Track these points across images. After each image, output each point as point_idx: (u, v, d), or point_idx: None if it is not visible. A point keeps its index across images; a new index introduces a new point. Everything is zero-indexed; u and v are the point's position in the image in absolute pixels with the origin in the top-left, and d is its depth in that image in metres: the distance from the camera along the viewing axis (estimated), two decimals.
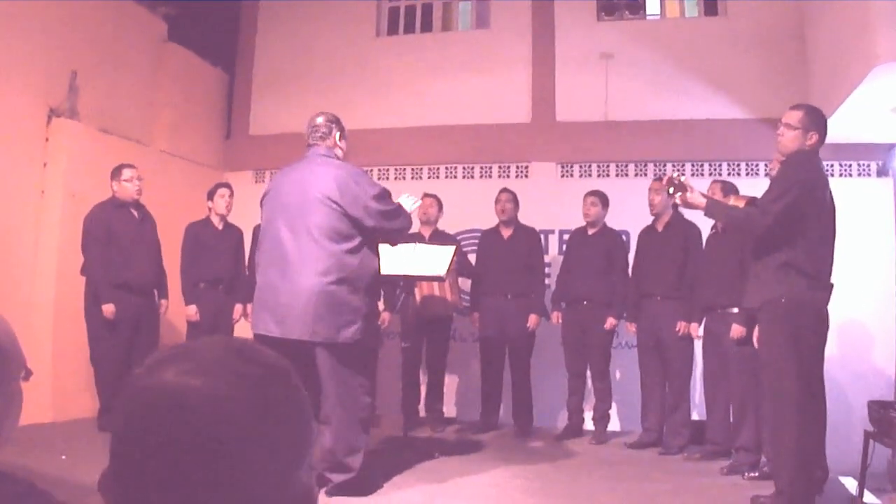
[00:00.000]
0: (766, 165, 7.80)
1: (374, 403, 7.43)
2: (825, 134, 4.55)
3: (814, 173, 4.44)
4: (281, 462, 0.93)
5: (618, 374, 7.73)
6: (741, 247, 5.46)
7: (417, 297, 6.96)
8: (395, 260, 5.87)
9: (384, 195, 4.74)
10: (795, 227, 4.34)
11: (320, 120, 4.90)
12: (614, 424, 7.35)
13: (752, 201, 4.71)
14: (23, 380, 1.52)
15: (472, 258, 7.74)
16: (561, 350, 7.20)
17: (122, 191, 6.60)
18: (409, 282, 6.48)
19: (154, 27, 8.66)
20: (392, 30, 9.67)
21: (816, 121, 4.52)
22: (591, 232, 7.21)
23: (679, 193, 4.56)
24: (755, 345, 5.00)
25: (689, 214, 6.56)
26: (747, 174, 8.07)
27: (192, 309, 6.98)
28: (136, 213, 6.69)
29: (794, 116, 4.52)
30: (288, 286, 4.50)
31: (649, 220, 6.88)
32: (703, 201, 4.58)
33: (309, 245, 4.51)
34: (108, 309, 6.32)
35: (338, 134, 4.90)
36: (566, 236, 7.75)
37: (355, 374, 4.58)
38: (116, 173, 6.62)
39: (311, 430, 0.99)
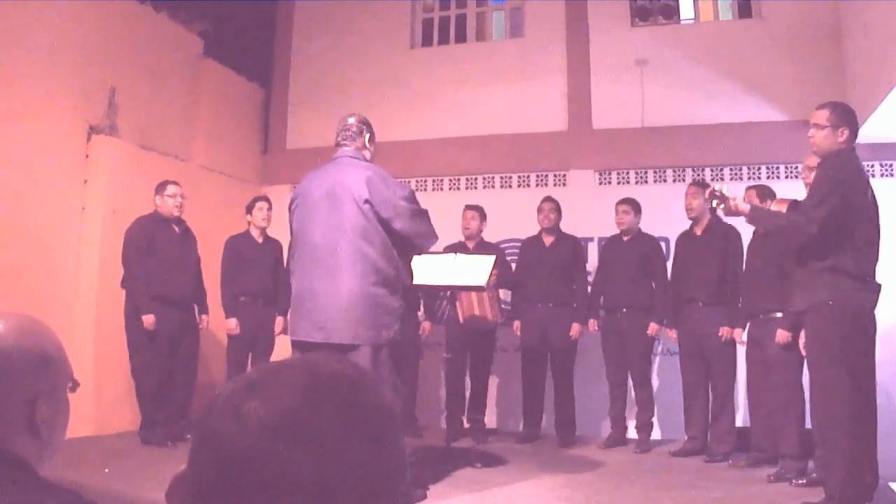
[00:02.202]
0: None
1: (415, 414, 7.47)
2: (856, 128, 4.50)
3: (853, 173, 4.37)
4: None
5: (658, 382, 7.64)
6: (784, 250, 5.38)
7: (458, 309, 6.93)
8: (436, 270, 5.83)
9: (413, 196, 4.72)
10: (840, 229, 4.27)
11: (352, 120, 4.86)
12: (656, 433, 7.25)
13: (793, 204, 4.63)
14: (70, 391, 1.52)
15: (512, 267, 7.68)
16: (602, 359, 7.14)
17: (165, 206, 6.65)
18: (451, 292, 6.45)
19: (190, 44, 8.74)
20: (426, 41, 9.70)
21: (844, 116, 4.47)
22: (625, 239, 7.17)
23: (722, 205, 4.52)
24: (801, 350, 4.92)
25: (728, 218, 6.50)
26: (786, 177, 7.94)
27: (233, 322, 7.00)
28: (177, 229, 6.74)
29: (822, 115, 4.47)
30: (328, 290, 4.45)
31: (688, 225, 6.81)
32: (746, 209, 4.53)
33: (346, 248, 4.48)
34: (149, 320, 6.35)
35: (367, 136, 4.85)
36: (602, 244, 7.69)
37: (390, 375, 4.54)
38: (161, 188, 6.69)
39: (405, 476, 0.89)
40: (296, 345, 4.60)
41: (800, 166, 7.73)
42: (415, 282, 5.13)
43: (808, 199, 4.41)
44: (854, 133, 4.47)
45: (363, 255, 4.48)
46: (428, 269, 5.79)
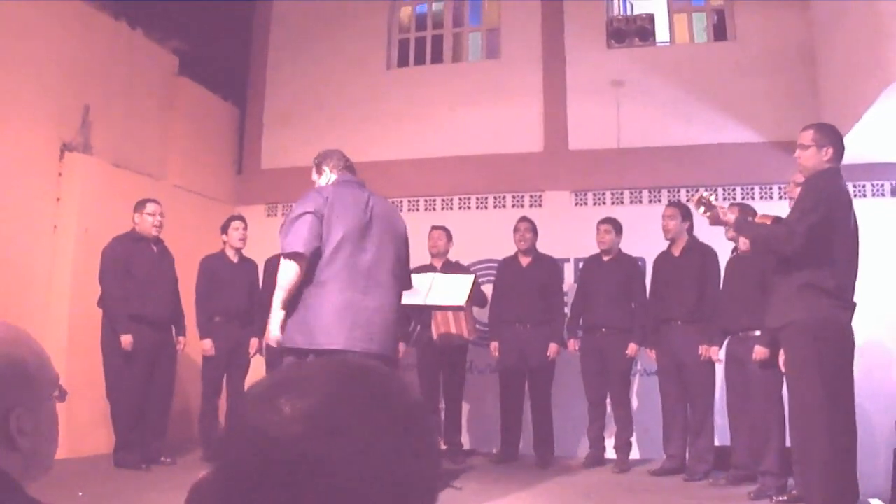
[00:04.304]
0: (780, 188, 7.80)
1: None
2: (841, 147, 4.61)
3: (836, 191, 4.46)
4: None
5: (636, 402, 7.63)
6: (762, 269, 5.41)
7: (433, 329, 6.90)
8: (415, 291, 5.81)
9: None
10: (819, 246, 4.32)
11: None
12: (634, 453, 7.25)
13: (776, 220, 4.68)
14: (58, 400, 1.47)
15: (485, 288, 7.66)
16: (580, 379, 7.14)
17: (144, 224, 6.59)
18: (426, 313, 6.43)
19: (165, 62, 8.71)
20: (402, 62, 9.73)
21: (829, 135, 4.58)
22: (605, 259, 7.19)
23: (709, 212, 4.58)
24: (780, 367, 4.93)
25: (704, 238, 6.54)
26: (761, 198, 8.03)
27: (208, 343, 6.93)
28: (154, 248, 6.68)
29: (807, 136, 4.58)
30: (373, 306, 4.65)
31: (665, 246, 6.85)
32: (732, 219, 4.60)
33: (388, 266, 4.78)
34: (126, 340, 6.28)
35: None
36: (581, 264, 7.70)
37: None
38: (140, 206, 6.63)
39: (439, 476, 0.89)
40: (318, 353, 4.53)
41: (774, 187, 7.91)
42: None
43: (791, 213, 4.49)
44: (839, 152, 4.57)
45: (398, 279, 4.89)
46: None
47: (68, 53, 7.27)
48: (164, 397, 6.69)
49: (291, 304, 4.55)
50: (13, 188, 6.68)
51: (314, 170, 5.04)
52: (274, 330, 4.49)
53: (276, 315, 4.50)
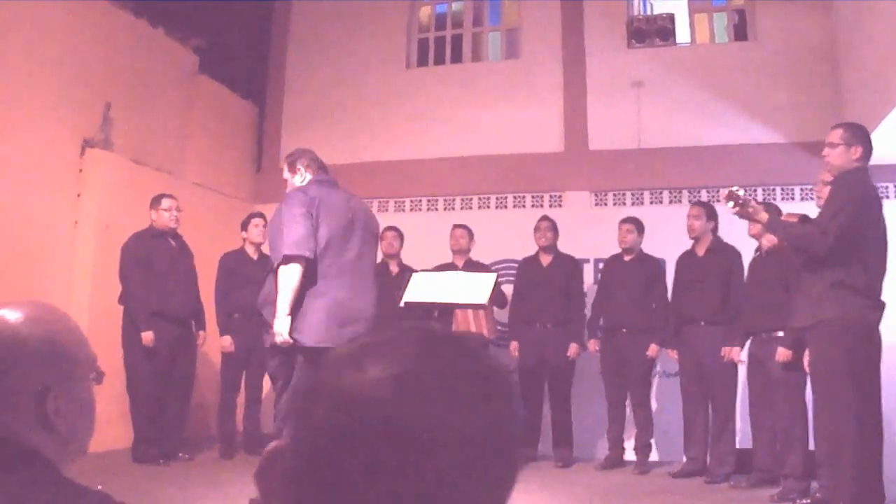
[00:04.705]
0: (801, 189, 7.75)
1: None
2: (869, 146, 4.58)
3: (867, 190, 4.44)
4: (494, 487, 0.80)
5: (655, 404, 7.57)
6: (785, 268, 5.36)
7: (453, 327, 6.87)
8: (435, 288, 5.79)
9: None
10: (850, 245, 4.29)
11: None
12: (654, 455, 7.18)
13: (804, 219, 4.64)
14: (94, 382, 1.45)
15: (505, 288, 7.62)
16: (600, 379, 7.09)
17: (161, 219, 6.61)
18: (447, 310, 6.40)
19: (185, 60, 8.74)
20: (422, 61, 9.71)
21: (857, 134, 4.57)
22: (627, 258, 7.15)
23: (739, 208, 4.55)
24: (804, 368, 4.88)
25: (728, 238, 6.48)
26: (783, 199, 7.96)
27: (227, 340, 6.95)
28: (173, 243, 6.69)
29: (835, 134, 4.57)
30: (359, 304, 4.75)
31: (684, 247, 6.82)
32: (765, 216, 4.56)
33: (369, 265, 4.94)
34: (148, 336, 6.30)
35: None
36: (601, 265, 7.68)
37: None
38: (156, 202, 6.66)
39: (519, 439, 0.84)
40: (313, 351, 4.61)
41: (796, 188, 7.85)
42: (417, 299, 5.15)
43: (823, 213, 4.48)
44: (867, 151, 4.56)
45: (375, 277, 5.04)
46: (429, 287, 5.76)
47: (89, 51, 7.29)
48: (183, 393, 6.70)
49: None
50: (34, 184, 6.70)
51: (286, 168, 5.09)
52: (284, 332, 4.51)
53: (284, 320, 4.52)
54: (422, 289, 5.80)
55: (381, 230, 7.60)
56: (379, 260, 7.46)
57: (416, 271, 7.38)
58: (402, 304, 6.02)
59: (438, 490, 0.75)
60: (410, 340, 0.83)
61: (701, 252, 6.64)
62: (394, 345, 0.82)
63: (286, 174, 5.06)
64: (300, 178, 4.94)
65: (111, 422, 6.81)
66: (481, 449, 0.78)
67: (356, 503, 0.75)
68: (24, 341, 1.33)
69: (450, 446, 0.76)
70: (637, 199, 8.50)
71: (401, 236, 7.73)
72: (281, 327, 4.49)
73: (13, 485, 1.25)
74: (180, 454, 6.58)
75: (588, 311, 7.40)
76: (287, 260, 4.54)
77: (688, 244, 6.79)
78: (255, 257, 7.24)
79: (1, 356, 1.31)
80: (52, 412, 1.34)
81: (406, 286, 6.14)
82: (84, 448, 1.47)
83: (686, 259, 6.78)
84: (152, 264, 6.48)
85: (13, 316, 1.36)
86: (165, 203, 6.64)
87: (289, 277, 4.53)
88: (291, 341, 4.51)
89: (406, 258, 7.74)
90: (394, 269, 7.58)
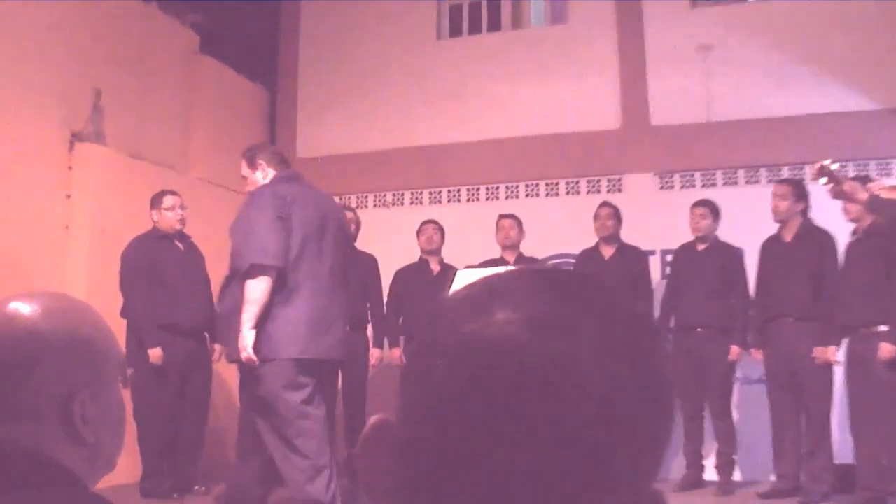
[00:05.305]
0: None
1: None
2: None
3: None
4: (652, 445, 0.75)
5: (736, 415, 7.48)
6: (889, 255, 5.28)
7: None
8: None
9: None
10: None
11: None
12: (737, 473, 7.11)
13: None
14: (123, 386, 1.42)
15: None
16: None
17: (164, 220, 6.62)
18: None
19: (184, 39, 8.77)
20: (455, 31, 9.71)
21: None
22: (700, 247, 7.09)
23: (833, 184, 4.45)
24: None
25: (821, 221, 6.39)
26: (878, 174, 7.80)
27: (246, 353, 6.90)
28: (180, 246, 6.70)
29: None
30: (335, 311, 4.98)
31: (763, 235, 6.75)
32: (864, 194, 4.46)
33: (340, 269, 5.10)
34: (156, 353, 6.30)
35: None
36: (669, 257, 7.62)
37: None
38: (157, 201, 6.67)
39: (672, 393, 0.79)
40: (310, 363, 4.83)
41: (893, 162, 7.70)
42: None
43: None
44: None
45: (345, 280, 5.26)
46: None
47: (75, 32, 7.29)
48: (198, 417, 6.71)
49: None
50: (18, 184, 6.70)
51: (245, 164, 5.20)
52: (248, 347, 4.59)
53: (249, 334, 4.60)
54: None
55: (419, 225, 7.70)
56: (417, 257, 7.51)
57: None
58: None
59: (593, 452, 0.70)
60: (541, 282, 0.80)
61: (788, 238, 6.54)
62: (522, 287, 0.79)
63: (245, 171, 5.20)
64: (262, 174, 5.07)
65: None
66: (638, 398, 0.73)
67: (487, 473, 0.71)
68: (45, 337, 1.30)
69: (603, 395, 0.71)
70: (708, 180, 8.42)
71: (441, 230, 7.71)
72: (246, 342, 4.57)
73: None
74: (196, 487, 6.58)
75: (657, 308, 7.35)
76: (256, 271, 4.62)
77: (767, 231, 6.72)
78: None
79: (19, 355, 1.28)
80: (78, 420, 1.31)
81: (450, 286, 6.11)
82: (112, 463, 1.44)
83: (771, 246, 6.68)
84: (158, 271, 6.49)
85: (28, 308, 1.33)
86: (167, 201, 6.66)
87: (257, 290, 4.62)
88: (255, 359, 4.59)
89: (445, 256, 7.73)
90: (434, 267, 7.57)
